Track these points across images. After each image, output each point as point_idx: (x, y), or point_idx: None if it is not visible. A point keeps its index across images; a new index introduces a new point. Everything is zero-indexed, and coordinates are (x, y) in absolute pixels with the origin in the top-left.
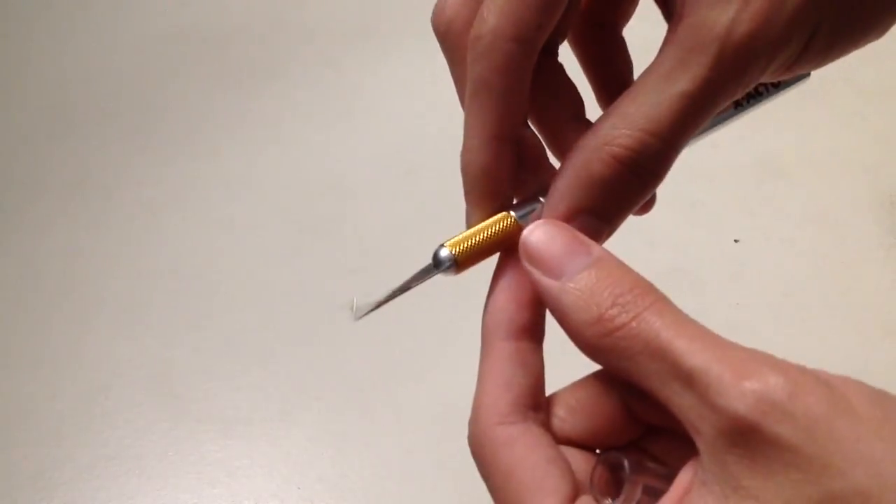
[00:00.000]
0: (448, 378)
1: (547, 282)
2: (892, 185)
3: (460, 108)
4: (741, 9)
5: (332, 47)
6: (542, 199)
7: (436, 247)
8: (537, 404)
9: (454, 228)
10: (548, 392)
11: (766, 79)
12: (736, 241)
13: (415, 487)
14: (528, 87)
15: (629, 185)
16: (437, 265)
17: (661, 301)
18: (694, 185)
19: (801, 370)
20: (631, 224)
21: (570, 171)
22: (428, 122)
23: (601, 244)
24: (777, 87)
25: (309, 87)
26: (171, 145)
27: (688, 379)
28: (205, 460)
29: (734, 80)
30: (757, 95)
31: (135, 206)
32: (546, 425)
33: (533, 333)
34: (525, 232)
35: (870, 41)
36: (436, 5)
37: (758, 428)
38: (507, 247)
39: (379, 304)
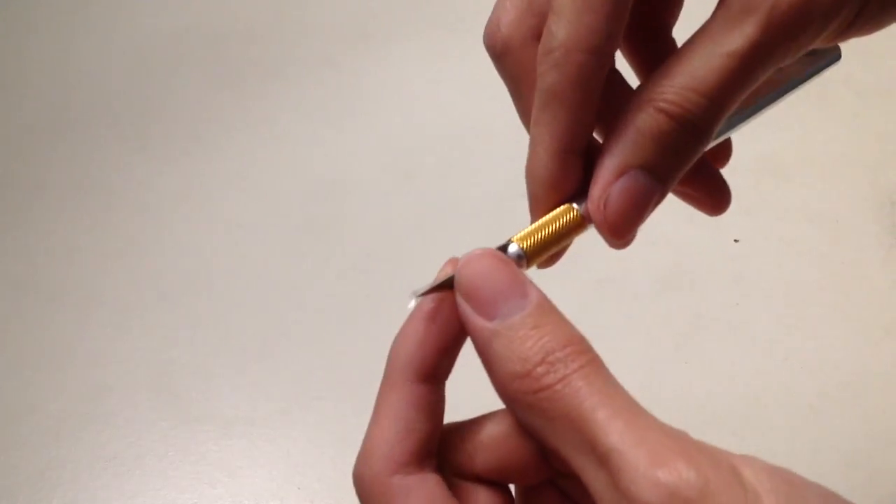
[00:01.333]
0: (448, 378)
1: (478, 321)
2: (892, 185)
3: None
4: None
5: (332, 47)
6: None
7: (503, 241)
8: (434, 451)
9: (454, 227)
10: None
11: (818, 44)
12: (736, 241)
13: None
14: (598, 98)
15: (677, 140)
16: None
17: (591, 364)
18: None
19: (716, 464)
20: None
21: (619, 128)
22: (428, 121)
23: (653, 208)
24: (811, 68)
25: (309, 87)
26: (171, 145)
27: (603, 457)
28: (205, 460)
29: (784, 44)
30: (790, 81)
31: (134, 205)
32: (442, 467)
33: (441, 376)
34: (462, 261)
35: None
36: (488, 25)
37: None
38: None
39: (434, 288)
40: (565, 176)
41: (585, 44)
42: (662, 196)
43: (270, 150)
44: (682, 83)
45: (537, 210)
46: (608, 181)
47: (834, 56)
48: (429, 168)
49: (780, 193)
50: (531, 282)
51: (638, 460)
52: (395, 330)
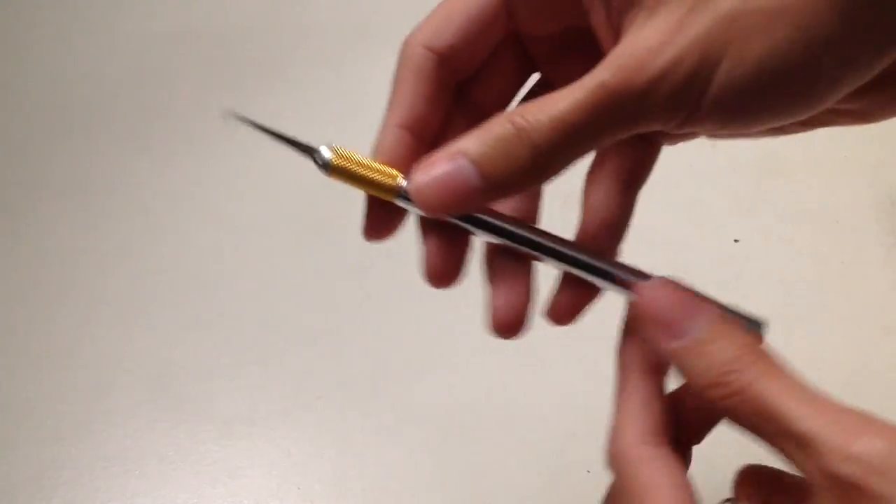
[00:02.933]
0: (448, 378)
1: (665, 343)
2: (892, 185)
3: None
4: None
5: (332, 47)
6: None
7: (332, 146)
8: (668, 429)
9: None
10: None
11: (666, 128)
12: (736, 241)
13: (415, 487)
14: (437, 97)
15: (512, 148)
16: (316, 157)
17: (769, 363)
18: (694, 185)
19: None
20: (631, 224)
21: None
22: None
23: (470, 202)
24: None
25: (309, 87)
26: (171, 145)
27: (800, 441)
28: (205, 460)
29: (627, 103)
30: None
31: (134, 205)
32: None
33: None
34: (642, 291)
35: (792, 116)
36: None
37: (863, 486)
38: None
39: (254, 125)
40: (393, 149)
41: (424, 39)
42: (481, 196)
43: (271, 150)
44: (537, 104)
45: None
46: (438, 156)
47: (757, 326)
48: None
49: (780, 193)
50: (703, 299)
51: (832, 439)
52: (396, 330)
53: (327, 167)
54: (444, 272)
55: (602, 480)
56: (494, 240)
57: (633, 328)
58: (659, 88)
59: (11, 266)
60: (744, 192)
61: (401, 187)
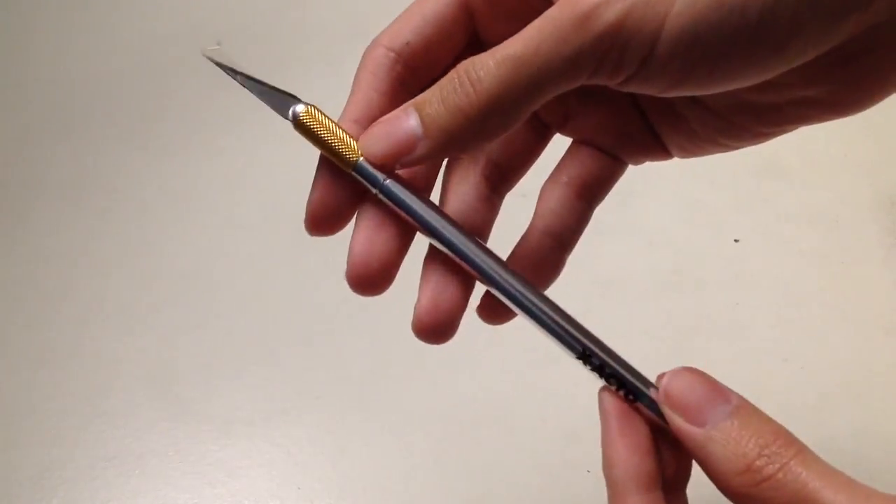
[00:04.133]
0: (448, 378)
1: (690, 429)
2: (892, 185)
3: None
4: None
5: (332, 47)
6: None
7: (305, 105)
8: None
9: None
10: None
11: (618, 78)
12: (736, 241)
13: (415, 487)
14: (394, 93)
15: (455, 96)
16: (288, 111)
17: (804, 451)
18: (694, 185)
19: None
20: (631, 224)
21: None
22: None
23: (414, 154)
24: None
25: (309, 87)
26: (171, 145)
27: None
28: (205, 460)
29: (564, 49)
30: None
31: (134, 205)
32: None
33: (659, 481)
34: (666, 379)
35: (742, 80)
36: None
37: None
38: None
39: (228, 69)
40: (353, 130)
41: (385, 41)
42: (428, 145)
43: (271, 150)
44: (488, 52)
45: None
46: (389, 114)
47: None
48: None
49: (780, 193)
50: (728, 389)
51: None
52: (396, 329)
53: (296, 122)
54: (373, 274)
55: (602, 480)
56: (440, 248)
57: (617, 431)
58: (602, 14)
59: (12, 266)
60: (744, 192)
61: (351, 162)
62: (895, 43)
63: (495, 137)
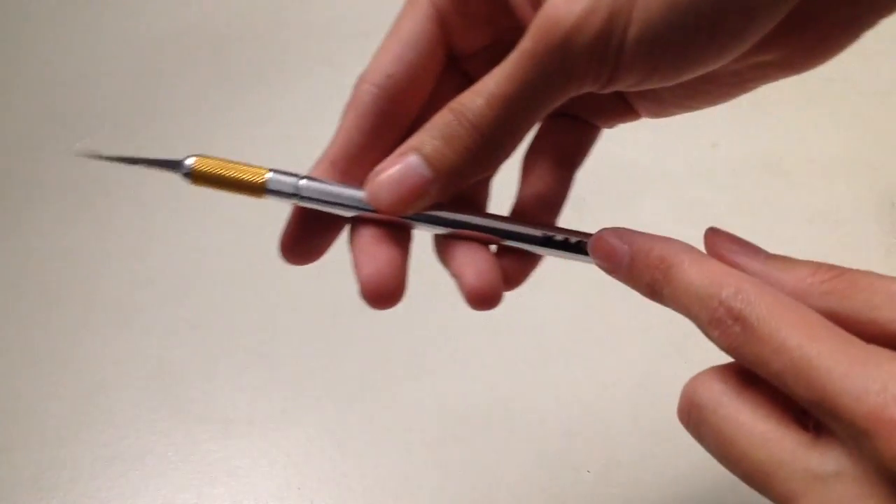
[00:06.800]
0: (448, 378)
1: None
2: (892, 185)
3: None
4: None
5: (332, 47)
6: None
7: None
8: None
9: None
10: None
11: (599, 86)
12: None
13: (415, 487)
14: (378, 130)
15: (455, 134)
16: (181, 167)
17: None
18: (694, 185)
19: None
20: (631, 224)
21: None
22: None
23: (429, 196)
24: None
25: (309, 87)
26: (171, 145)
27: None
28: (205, 460)
29: (551, 63)
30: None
31: (134, 205)
32: None
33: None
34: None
35: (705, 64)
36: None
37: None
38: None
39: (105, 158)
40: (329, 172)
41: (367, 76)
42: (436, 188)
43: (270, 150)
44: (471, 88)
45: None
46: (389, 158)
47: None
48: None
49: (780, 193)
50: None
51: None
52: (396, 329)
53: (191, 175)
54: (389, 287)
55: (602, 480)
56: (443, 231)
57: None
58: (576, 39)
59: (11, 265)
60: (744, 192)
61: (269, 181)
62: (838, 4)
63: (500, 165)
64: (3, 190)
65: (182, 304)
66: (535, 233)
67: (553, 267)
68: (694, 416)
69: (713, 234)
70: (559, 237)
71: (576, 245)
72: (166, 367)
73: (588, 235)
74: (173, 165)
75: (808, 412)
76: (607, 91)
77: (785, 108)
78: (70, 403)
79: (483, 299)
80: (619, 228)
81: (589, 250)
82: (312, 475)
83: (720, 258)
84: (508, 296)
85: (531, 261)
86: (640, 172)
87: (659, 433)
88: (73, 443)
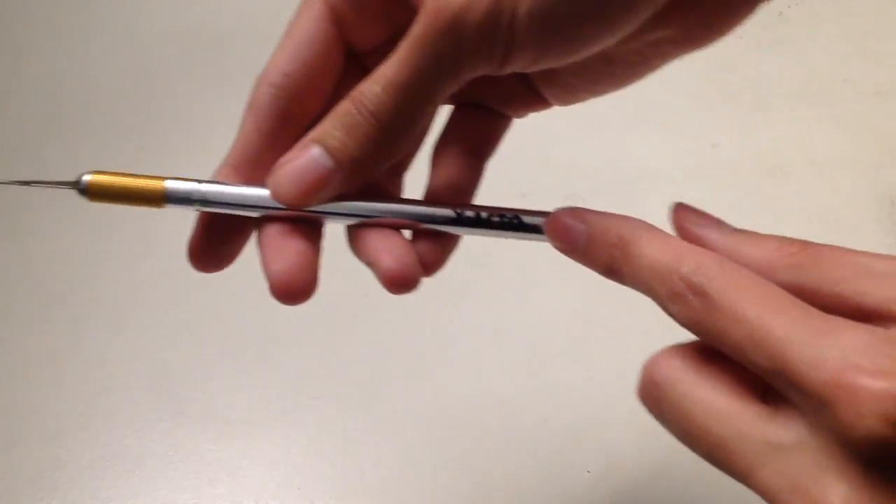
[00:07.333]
0: (448, 378)
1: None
2: (892, 185)
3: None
4: None
5: None
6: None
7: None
8: None
9: None
10: None
11: (494, 68)
12: None
13: (415, 487)
14: (278, 130)
15: (355, 123)
16: (77, 185)
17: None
18: (694, 185)
19: None
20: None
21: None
22: None
23: (333, 186)
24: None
25: None
26: (171, 145)
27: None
28: (205, 460)
29: (443, 44)
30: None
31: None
32: None
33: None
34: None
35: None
36: None
37: None
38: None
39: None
40: (232, 177)
41: (265, 77)
42: (340, 179)
43: None
44: (368, 77)
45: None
46: (290, 152)
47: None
48: (427, 167)
49: (780, 193)
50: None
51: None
52: (396, 329)
53: (91, 189)
54: (299, 283)
55: (602, 480)
56: (353, 222)
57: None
58: (466, 20)
59: (11, 266)
60: (744, 192)
61: (168, 190)
62: None
63: (403, 152)
64: (2, 190)
65: (182, 305)
66: (447, 213)
67: (553, 267)
68: (653, 394)
69: (679, 209)
70: (508, 217)
71: (531, 226)
72: (166, 367)
73: (543, 214)
74: (70, 184)
75: (768, 383)
76: (504, 72)
77: (785, 108)
78: (70, 403)
79: (401, 283)
80: (574, 208)
81: (545, 231)
82: (312, 475)
83: (685, 232)
84: (508, 296)
85: (448, 244)
86: (639, 172)
87: (659, 433)
88: (73, 443)
